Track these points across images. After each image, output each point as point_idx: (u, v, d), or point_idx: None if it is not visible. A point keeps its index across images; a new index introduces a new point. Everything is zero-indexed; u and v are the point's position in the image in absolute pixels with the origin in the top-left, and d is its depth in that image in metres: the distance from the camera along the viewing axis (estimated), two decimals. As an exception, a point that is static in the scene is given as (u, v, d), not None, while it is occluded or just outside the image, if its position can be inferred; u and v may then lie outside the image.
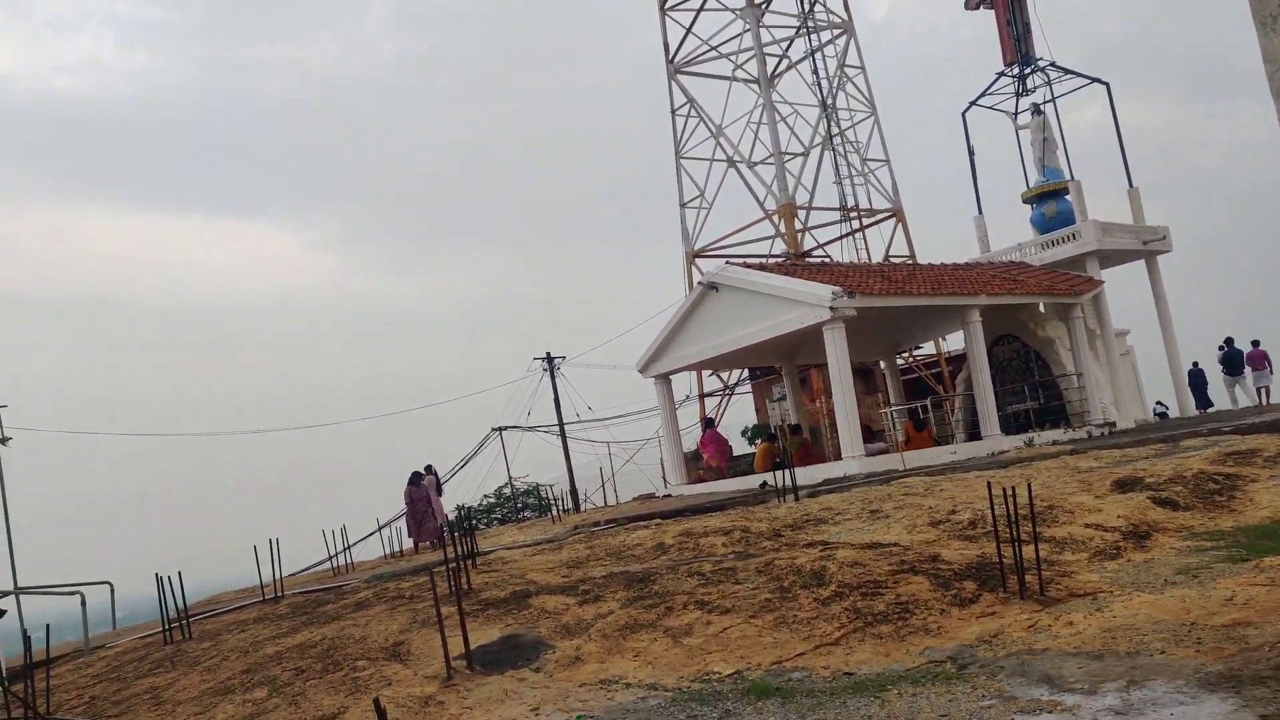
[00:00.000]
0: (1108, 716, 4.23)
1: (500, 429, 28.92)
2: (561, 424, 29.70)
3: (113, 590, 12.36)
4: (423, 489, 17.77)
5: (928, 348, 30.20)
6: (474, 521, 25.58)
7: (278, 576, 12.72)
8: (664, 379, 21.34)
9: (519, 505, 29.09)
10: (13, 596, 11.43)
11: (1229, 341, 23.72)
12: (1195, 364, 25.48)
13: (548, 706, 5.37)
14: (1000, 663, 5.40)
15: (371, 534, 18.94)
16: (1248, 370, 23.44)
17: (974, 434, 19.82)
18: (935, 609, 6.61)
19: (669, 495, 20.31)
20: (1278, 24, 3.53)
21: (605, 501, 25.22)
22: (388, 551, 17.48)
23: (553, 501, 21.36)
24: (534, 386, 30.65)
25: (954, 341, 27.47)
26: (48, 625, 8.87)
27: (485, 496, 30.51)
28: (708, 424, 23.47)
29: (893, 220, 31.48)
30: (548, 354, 30.74)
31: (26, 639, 8.75)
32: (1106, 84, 27.26)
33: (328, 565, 16.17)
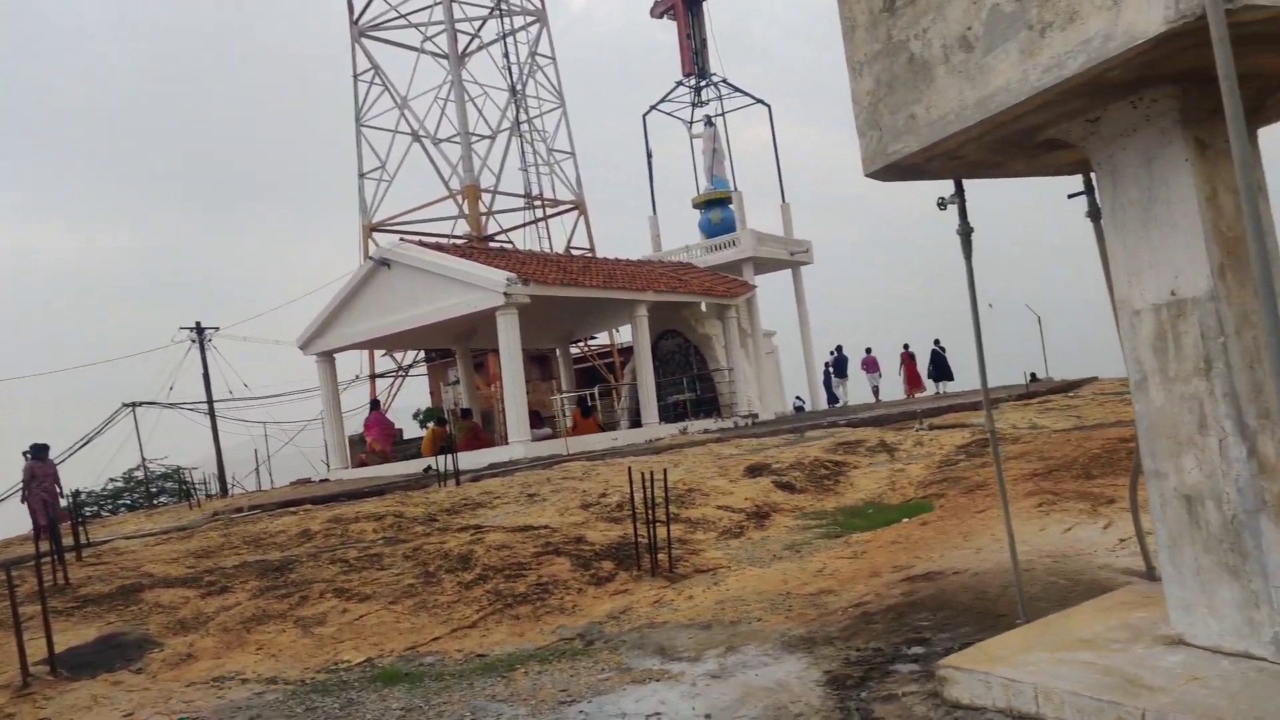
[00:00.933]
0: (705, 680, 4.63)
1: (133, 405, 25.85)
2: (210, 401, 27.19)
3: None
4: (51, 465, 15.53)
5: (603, 338, 31.47)
6: (93, 508, 22.74)
7: None
8: (327, 357, 20.31)
9: (153, 490, 26.19)
10: None
11: (838, 348, 27.65)
12: (826, 363, 28.92)
13: (145, 710, 4.87)
14: (623, 637, 5.73)
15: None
16: (859, 373, 27.50)
17: (637, 422, 20.96)
18: (574, 588, 6.87)
19: (327, 480, 19.39)
20: (862, 70, 4.03)
21: (259, 486, 23.53)
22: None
23: (194, 486, 19.54)
24: (178, 360, 27.76)
25: (626, 334, 28.88)
26: None
27: (111, 480, 27.04)
28: (373, 406, 22.72)
29: (575, 212, 32.39)
30: (197, 324, 27.99)
31: None
32: (769, 106, 30.01)
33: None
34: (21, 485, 15.30)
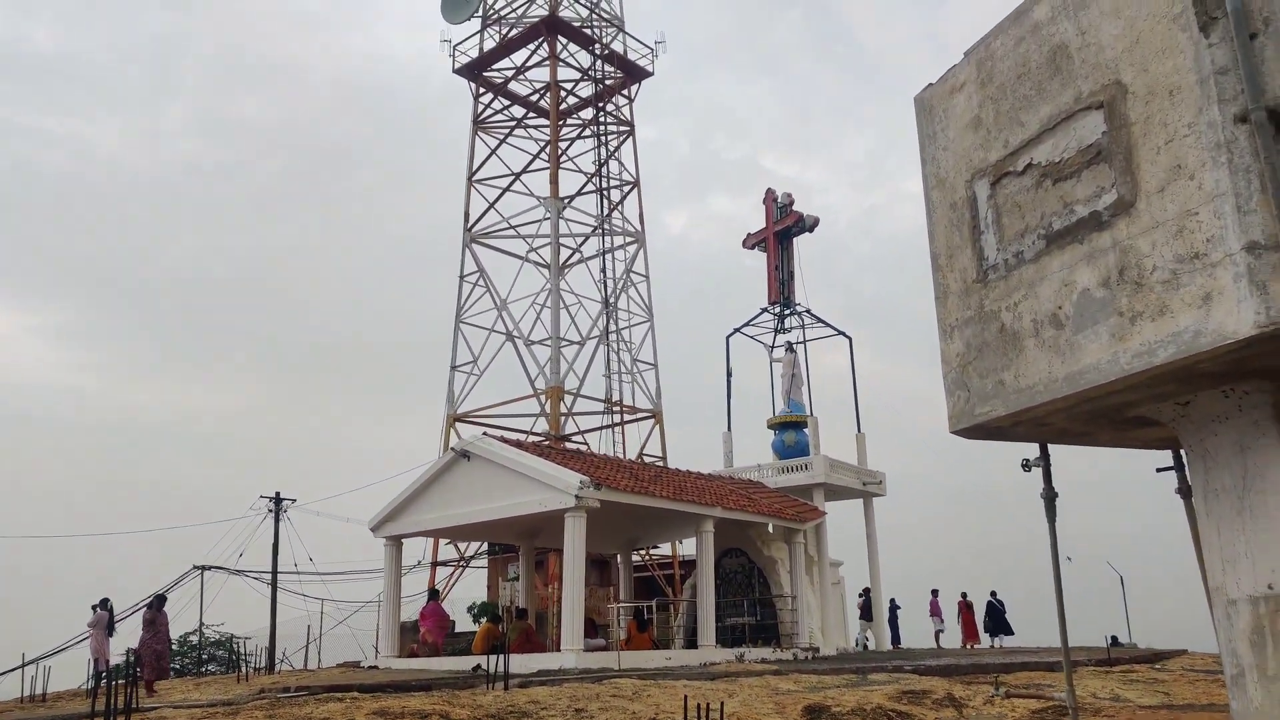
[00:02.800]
0: None
1: (202, 568, 26.21)
2: (275, 572, 27.40)
3: None
4: (165, 615, 16.11)
5: (665, 548, 31.06)
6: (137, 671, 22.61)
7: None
8: (395, 541, 20.48)
9: (204, 657, 26.02)
10: None
11: (865, 591, 27.12)
12: (893, 600, 27.90)
13: None
14: None
15: (12, 670, 16.22)
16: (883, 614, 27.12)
17: (692, 642, 20.28)
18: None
19: (375, 667, 19.03)
20: (953, 334, 4.24)
21: (306, 664, 23.19)
22: (25, 694, 14.97)
23: (244, 658, 19.36)
24: (254, 527, 28.34)
25: (689, 546, 28.48)
26: None
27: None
28: (432, 595, 22.55)
29: (652, 420, 32.95)
30: (277, 494, 28.75)
31: None
32: (849, 337, 30.74)
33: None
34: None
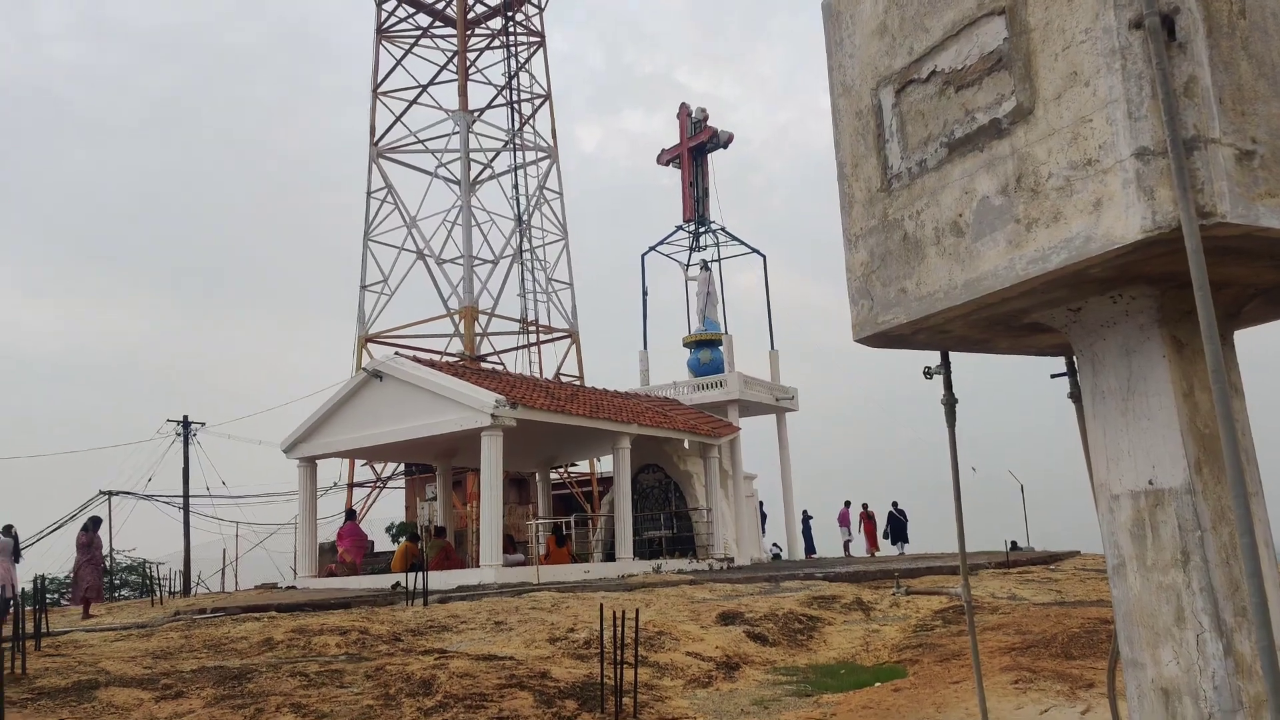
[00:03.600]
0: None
1: (110, 493, 25.46)
2: (187, 496, 26.79)
3: None
4: (99, 538, 15.92)
5: (583, 466, 31.39)
6: (54, 596, 22.05)
7: None
8: (309, 462, 20.19)
9: (117, 582, 25.50)
10: None
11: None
12: (805, 512, 28.89)
13: (83, 820, 4.68)
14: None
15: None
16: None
17: (611, 555, 20.71)
18: (535, 725, 6.70)
19: (293, 587, 18.93)
20: (857, 243, 4.30)
21: (223, 587, 22.93)
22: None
23: (158, 582, 19.05)
24: (162, 451, 27.54)
25: (607, 463, 28.86)
26: None
27: (74, 569, 26.40)
28: (349, 515, 22.41)
29: (568, 340, 32.90)
30: (185, 417, 27.91)
31: None
32: (763, 255, 31.02)
33: None
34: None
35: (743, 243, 31.16)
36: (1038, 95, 3.60)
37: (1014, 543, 20.37)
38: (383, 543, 27.52)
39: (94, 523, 16.61)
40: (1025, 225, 3.78)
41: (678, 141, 29.88)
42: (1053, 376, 5.43)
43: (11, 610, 11.22)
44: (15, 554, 17.22)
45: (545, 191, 33.29)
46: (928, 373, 5.24)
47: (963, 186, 3.97)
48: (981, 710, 4.63)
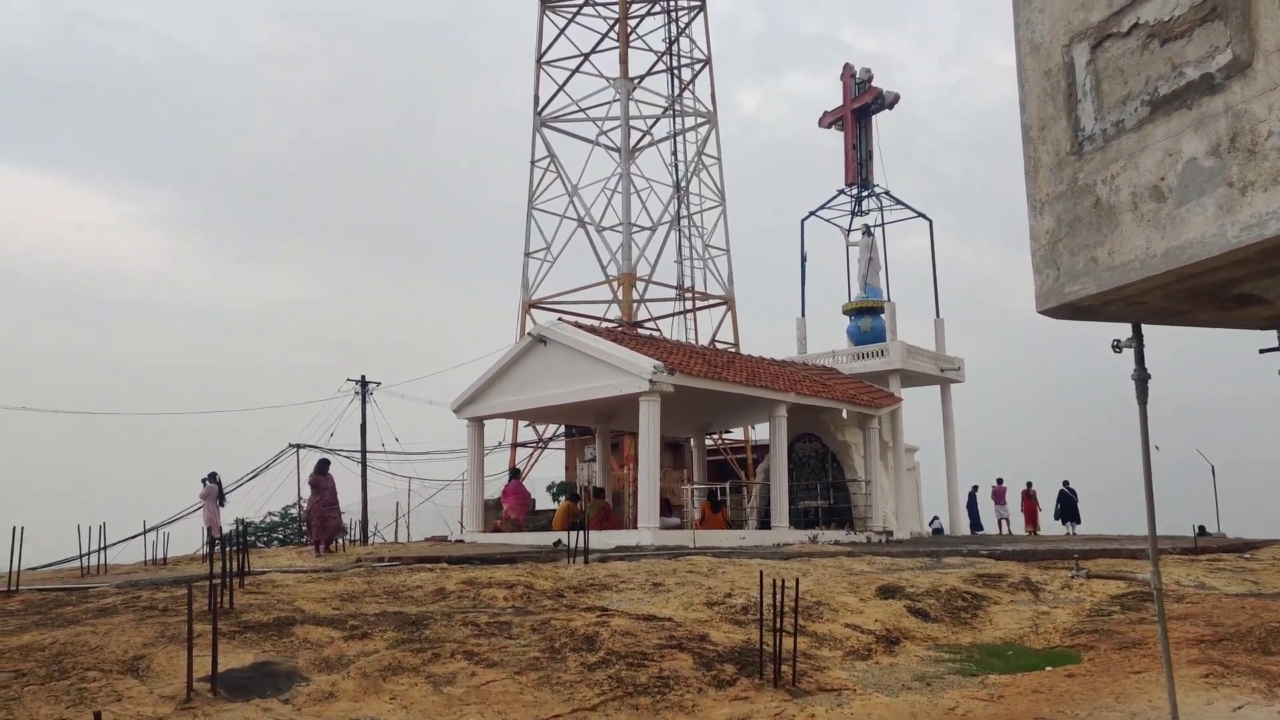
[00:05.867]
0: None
1: (298, 446, 27.59)
2: (364, 451, 28.67)
3: None
4: (331, 479, 16.41)
5: (737, 433, 31.41)
6: (251, 539, 24.18)
7: (13, 569, 11.55)
8: (477, 422, 21.14)
9: (303, 529, 27.67)
10: None
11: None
12: (975, 488, 27.89)
13: (289, 742, 5.16)
14: (743, 744, 5.66)
15: (135, 536, 17.53)
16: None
17: (765, 523, 20.70)
18: (694, 687, 6.84)
19: (461, 541, 19.97)
20: (1043, 209, 4.08)
21: (396, 538, 24.46)
22: (149, 557, 16.21)
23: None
24: (341, 408, 29.58)
25: (762, 432, 28.77)
26: None
27: (269, 514, 28.91)
28: (513, 474, 23.35)
29: (724, 307, 32.83)
30: (363, 377, 29.81)
31: None
32: (929, 220, 29.83)
33: (77, 564, 14.81)
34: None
35: (908, 206, 30.08)
36: (1257, 47, 3.28)
37: (1202, 528, 18.98)
38: (544, 501, 28.55)
39: (322, 465, 17.07)
40: (1239, 189, 3.47)
41: (840, 103, 29.06)
42: (1261, 352, 5.00)
43: (220, 549, 12.40)
44: (220, 498, 19.04)
45: (704, 157, 33.19)
46: (1116, 346, 4.94)
47: (1166, 148, 3.69)
48: (1171, 702, 4.39)
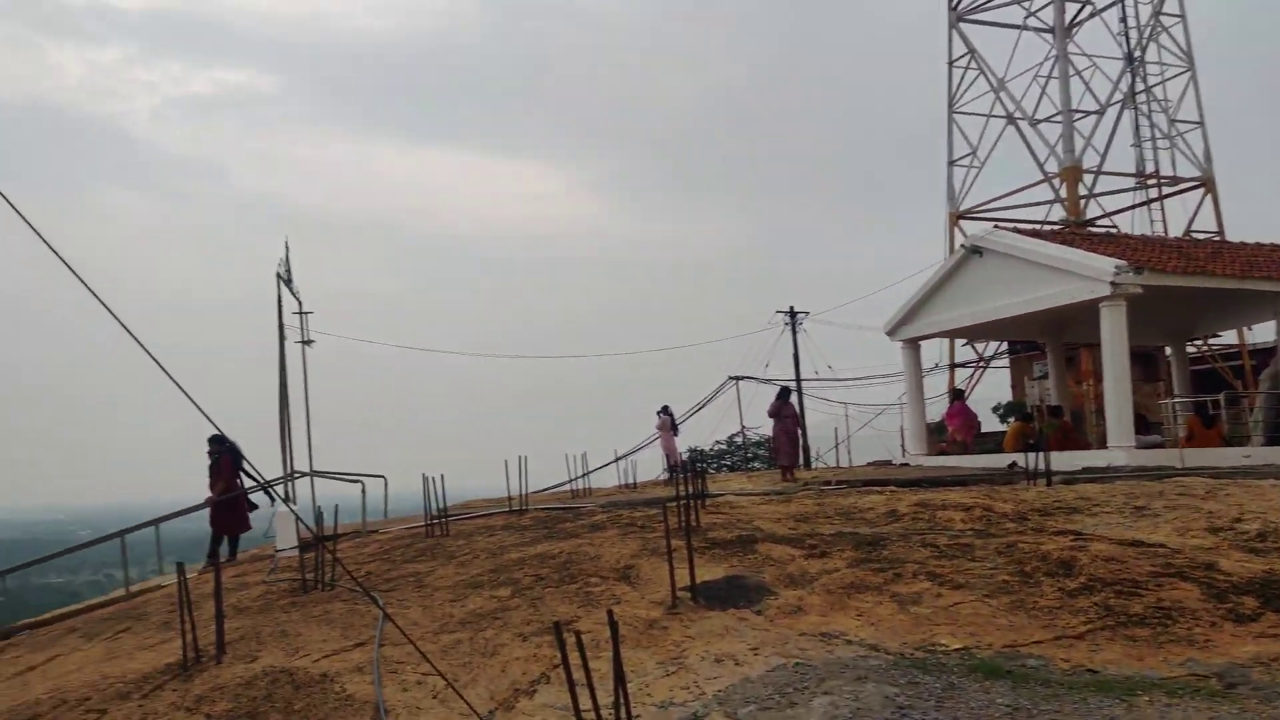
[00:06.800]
0: None
1: (737, 378, 29.08)
2: (799, 379, 29.38)
3: (386, 484, 13.80)
4: (791, 405, 17.07)
5: (1226, 336, 26.86)
6: (704, 465, 26.10)
7: (523, 491, 13.66)
8: (912, 344, 20.47)
9: (749, 455, 29.28)
10: (308, 479, 13.12)
11: None
12: None
13: (766, 649, 5.41)
14: (1278, 688, 4.80)
15: (608, 464, 19.79)
16: None
17: (1274, 438, 17.50)
18: (1204, 620, 5.96)
19: (906, 464, 19.61)
20: None
21: (838, 463, 24.80)
22: (622, 481, 18.24)
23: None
24: (773, 340, 30.52)
25: (1260, 333, 24.23)
26: (336, 506, 10.08)
27: (717, 442, 30.97)
28: (956, 395, 22.31)
29: (1200, 191, 28.05)
30: (791, 308, 30.41)
31: (319, 514, 10.00)
32: None
33: (567, 487, 17.12)
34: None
35: None
36: None
37: None
38: (989, 423, 27.00)
39: (783, 392, 17.66)
40: None
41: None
42: None
43: (677, 475, 13.46)
44: (674, 428, 20.73)
45: (1162, 17, 28.33)
46: None
47: None
48: None
